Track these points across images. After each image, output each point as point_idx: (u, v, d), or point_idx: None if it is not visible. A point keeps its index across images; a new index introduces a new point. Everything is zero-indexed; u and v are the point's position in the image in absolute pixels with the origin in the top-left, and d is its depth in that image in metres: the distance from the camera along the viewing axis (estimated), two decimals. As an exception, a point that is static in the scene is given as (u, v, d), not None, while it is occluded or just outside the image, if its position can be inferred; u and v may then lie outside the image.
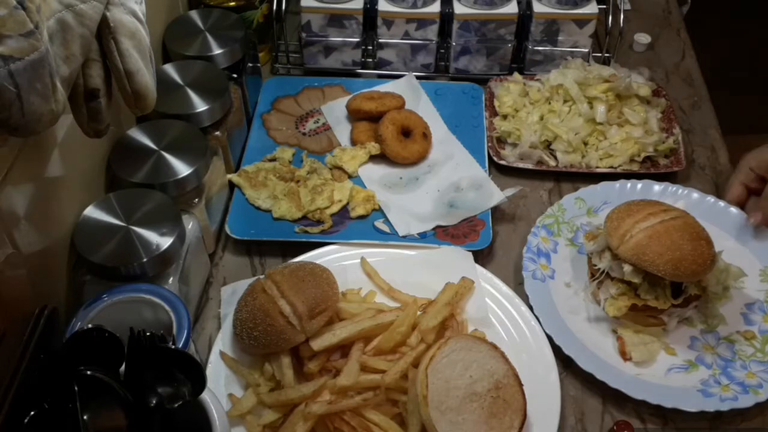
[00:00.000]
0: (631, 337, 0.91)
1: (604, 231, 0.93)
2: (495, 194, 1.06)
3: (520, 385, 0.81)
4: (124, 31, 0.71)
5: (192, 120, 0.98)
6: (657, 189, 1.07)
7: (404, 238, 1.02)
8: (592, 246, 0.95)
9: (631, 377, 0.88)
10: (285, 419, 0.83)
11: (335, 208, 1.06)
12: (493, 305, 0.94)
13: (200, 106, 0.99)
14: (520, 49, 1.25)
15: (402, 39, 1.23)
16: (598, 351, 0.91)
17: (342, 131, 1.18)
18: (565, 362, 0.91)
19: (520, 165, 1.13)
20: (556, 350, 0.90)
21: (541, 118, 1.15)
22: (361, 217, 1.06)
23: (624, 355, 0.90)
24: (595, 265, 0.94)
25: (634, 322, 0.92)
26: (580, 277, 0.98)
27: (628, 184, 1.07)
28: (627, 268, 0.89)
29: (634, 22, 1.38)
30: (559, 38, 1.23)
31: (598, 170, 1.11)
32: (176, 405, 0.65)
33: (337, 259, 0.99)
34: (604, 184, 1.07)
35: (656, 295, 0.89)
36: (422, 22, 1.21)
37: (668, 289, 0.90)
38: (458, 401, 0.79)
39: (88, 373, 0.64)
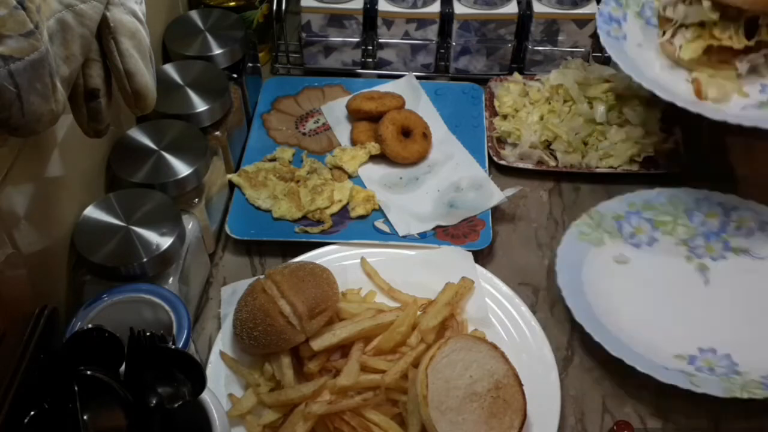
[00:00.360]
0: (706, 78, 0.95)
1: None
2: (495, 194, 1.06)
3: (520, 385, 0.81)
4: (124, 31, 0.71)
5: (192, 120, 0.98)
6: None
7: (404, 238, 1.02)
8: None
9: (704, 107, 0.93)
10: (285, 419, 0.83)
11: (335, 208, 1.06)
12: (493, 305, 0.94)
13: (200, 106, 0.99)
14: (520, 49, 1.25)
15: (402, 39, 1.23)
16: (675, 95, 0.94)
17: (342, 131, 1.18)
18: (565, 361, 0.91)
19: (520, 165, 1.13)
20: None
21: (541, 118, 1.15)
22: (361, 217, 1.06)
23: (700, 94, 0.95)
24: (669, 19, 0.98)
25: (708, 66, 0.96)
26: (651, 41, 1.03)
27: None
28: (706, 3, 0.92)
29: (634, 22, 1.38)
30: (559, 38, 1.23)
31: (598, 170, 1.11)
32: (176, 405, 0.65)
33: (337, 259, 0.99)
34: None
35: (730, 34, 0.94)
36: (422, 22, 1.21)
37: (742, 28, 0.93)
38: (458, 401, 0.79)
39: (88, 373, 0.64)
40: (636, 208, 1.05)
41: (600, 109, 1.13)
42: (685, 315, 0.95)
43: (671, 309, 0.96)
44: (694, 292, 0.98)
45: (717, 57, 0.96)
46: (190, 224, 0.92)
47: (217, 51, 1.07)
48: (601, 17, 1.05)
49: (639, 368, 0.86)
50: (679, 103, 0.92)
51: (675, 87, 0.97)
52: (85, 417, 0.62)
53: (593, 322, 0.91)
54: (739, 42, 0.94)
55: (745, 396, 0.84)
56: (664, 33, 1.00)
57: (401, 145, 1.12)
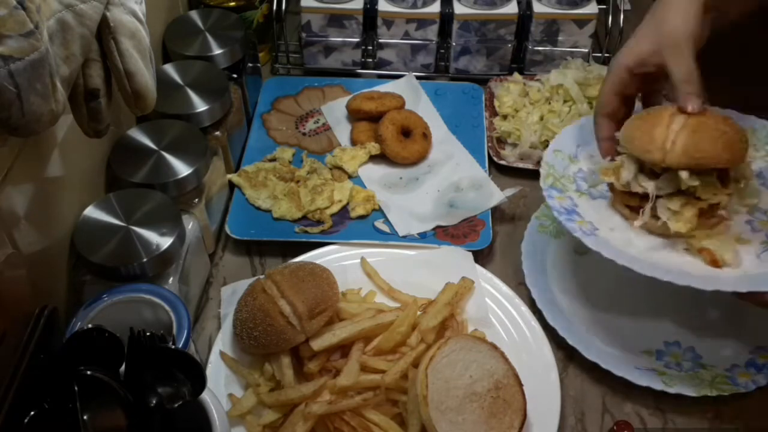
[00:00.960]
0: (712, 244, 0.85)
1: (628, 156, 0.87)
2: (495, 194, 1.06)
3: (520, 385, 0.81)
4: (124, 31, 0.71)
5: (192, 120, 0.98)
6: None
7: (404, 238, 1.02)
8: (626, 175, 0.87)
9: (737, 277, 0.82)
10: (285, 419, 0.83)
11: (335, 208, 1.06)
12: (493, 305, 0.94)
13: (200, 106, 0.99)
14: (520, 49, 1.25)
15: (402, 39, 1.23)
16: (687, 275, 0.83)
17: (342, 131, 1.18)
18: (564, 361, 0.91)
19: (520, 165, 1.13)
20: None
21: (541, 118, 1.15)
22: (361, 217, 1.06)
23: (716, 263, 0.83)
24: (636, 192, 0.86)
25: (700, 230, 0.85)
26: (613, 218, 0.89)
27: (582, 120, 1.00)
28: (684, 174, 0.82)
29: (634, 22, 1.37)
30: (559, 38, 1.23)
31: (598, 170, 1.11)
32: (176, 405, 0.65)
33: (337, 259, 0.99)
34: (565, 131, 0.99)
35: (714, 191, 0.84)
36: (422, 22, 1.21)
37: (717, 181, 0.84)
38: (458, 401, 0.79)
39: (88, 373, 0.64)
40: None
41: (600, 109, 1.13)
42: (647, 306, 0.96)
43: (634, 301, 0.96)
44: (653, 280, 0.98)
45: (704, 217, 0.84)
46: (190, 224, 0.92)
47: (217, 51, 1.07)
48: (562, 216, 0.87)
49: (615, 372, 0.87)
50: (697, 285, 0.79)
51: (682, 263, 0.84)
52: (85, 417, 0.62)
53: (565, 323, 0.92)
54: (721, 195, 0.83)
55: (714, 393, 0.85)
56: (630, 209, 0.87)
57: (401, 145, 1.12)
